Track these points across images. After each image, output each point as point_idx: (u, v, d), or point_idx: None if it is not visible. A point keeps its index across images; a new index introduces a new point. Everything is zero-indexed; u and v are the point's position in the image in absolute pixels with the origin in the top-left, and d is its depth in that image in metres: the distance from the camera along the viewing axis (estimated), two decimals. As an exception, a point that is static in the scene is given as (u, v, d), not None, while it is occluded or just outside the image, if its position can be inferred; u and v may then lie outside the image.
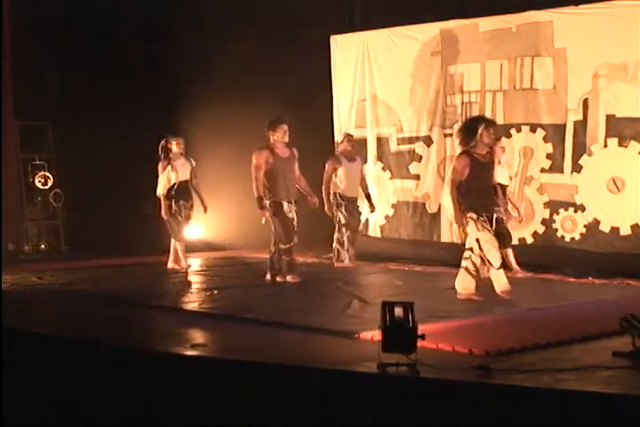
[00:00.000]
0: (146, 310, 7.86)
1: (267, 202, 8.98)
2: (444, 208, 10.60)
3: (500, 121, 9.59)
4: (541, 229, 9.79)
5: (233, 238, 12.54)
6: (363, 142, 11.19)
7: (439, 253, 10.61)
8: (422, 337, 5.17)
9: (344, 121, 11.62)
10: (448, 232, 10.63)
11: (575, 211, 9.54)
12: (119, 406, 5.50)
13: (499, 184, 8.71)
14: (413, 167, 10.98)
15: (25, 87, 12.38)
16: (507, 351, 5.63)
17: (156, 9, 12.60)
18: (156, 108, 12.41)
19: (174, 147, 10.07)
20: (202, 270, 10.31)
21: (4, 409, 5.55)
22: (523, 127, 9.90)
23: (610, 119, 9.22)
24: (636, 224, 9.10)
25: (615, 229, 9.24)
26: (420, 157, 10.91)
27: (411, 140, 11.01)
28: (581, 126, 9.45)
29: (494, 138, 7.98)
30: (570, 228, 9.59)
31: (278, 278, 9.24)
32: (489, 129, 7.71)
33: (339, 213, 10.19)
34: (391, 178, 11.18)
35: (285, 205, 9.02)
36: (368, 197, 10.42)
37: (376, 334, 5.38)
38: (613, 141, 9.23)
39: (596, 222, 9.37)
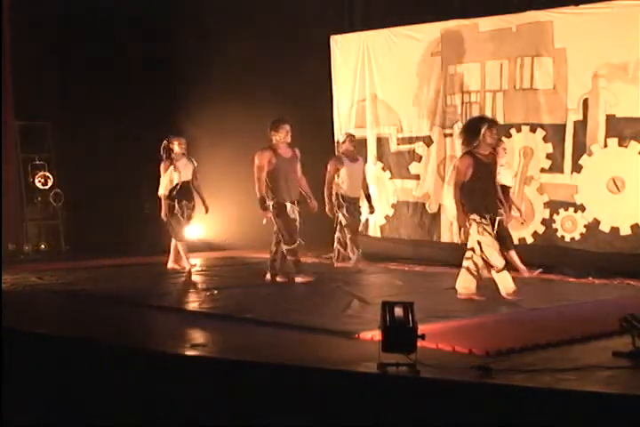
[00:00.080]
0: (146, 310, 7.86)
1: (269, 203, 8.97)
2: (445, 208, 10.65)
3: (500, 121, 9.57)
4: (541, 229, 9.79)
5: (233, 238, 12.54)
6: (363, 142, 11.18)
7: (439, 253, 10.61)
8: (422, 337, 5.17)
9: (344, 121, 11.62)
10: (448, 232, 10.63)
11: (575, 211, 9.54)
12: (119, 406, 5.50)
13: (502, 185, 8.69)
14: (413, 167, 10.98)
15: (25, 87, 12.38)
16: (507, 351, 5.63)
17: (156, 9, 12.60)
18: (155, 108, 12.41)
19: (176, 147, 10.05)
20: (202, 270, 10.30)
21: (4, 409, 5.54)
22: (523, 127, 9.90)
23: (610, 119, 9.22)
24: (636, 224, 9.10)
25: (615, 229, 9.24)
26: (420, 157, 10.91)
27: (411, 140, 11.01)
28: (581, 126, 9.45)
29: (497, 138, 7.97)
30: (570, 228, 9.59)
31: (278, 278, 9.25)
32: (492, 129, 7.70)
33: (340, 214, 10.16)
34: (391, 178, 11.18)
35: (289, 205, 9.00)
36: (368, 197, 10.40)
37: (376, 334, 5.38)
38: (613, 141, 9.23)
39: (596, 222, 9.37)
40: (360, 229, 10.71)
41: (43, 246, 12.87)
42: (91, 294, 8.80)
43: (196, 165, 10.23)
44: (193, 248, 10.71)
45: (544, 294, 8.29)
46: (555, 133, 9.68)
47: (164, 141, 10.07)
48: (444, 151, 10.69)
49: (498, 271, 7.61)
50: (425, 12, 10.56)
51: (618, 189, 9.22)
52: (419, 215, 10.91)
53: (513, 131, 9.96)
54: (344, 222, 10.15)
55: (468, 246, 7.74)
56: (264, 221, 9.07)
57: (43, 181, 12.80)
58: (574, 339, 5.99)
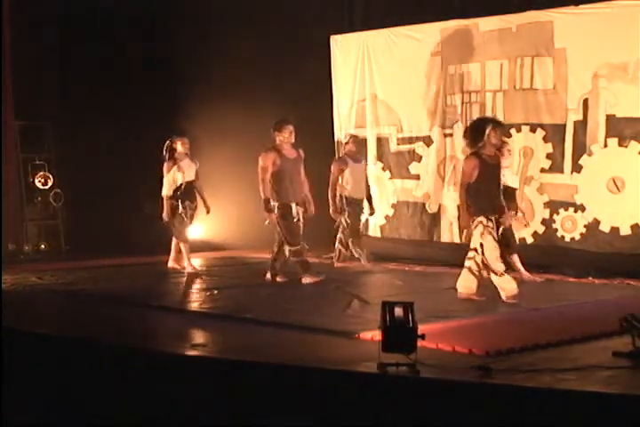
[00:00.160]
0: (146, 310, 7.85)
1: (274, 204, 8.94)
2: (445, 208, 10.66)
3: (500, 121, 9.59)
4: (541, 229, 9.78)
5: (233, 238, 12.53)
6: (363, 142, 11.16)
7: (439, 253, 10.61)
8: (422, 337, 5.17)
9: (344, 121, 11.62)
10: (448, 232, 10.63)
11: (575, 211, 9.54)
12: (119, 406, 5.50)
13: (507, 187, 8.68)
14: (413, 167, 10.98)
15: (25, 87, 12.38)
16: (507, 351, 5.63)
17: (156, 9, 12.61)
18: (156, 108, 12.41)
19: (179, 147, 10.02)
20: (202, 270, 10.30)
21: (4, 409, 5.55)
22: (523, 127, 9.89)
23: (610, 119, 9.22)
24: (636, 224, 9.10)
25: (615, 229, 9.24)
26: (420, 157, 10.91)
27: (411, 140, 11.01)
28: (581, 126, 9.44)
29: (501, 139, 7.95)
30: (570, 228, 9.59)
31: (278, 279, 9.25)
32: (496, 130, 7.69)
33: (342, 216, 10.12)
34: (391, 178, 11.18)
35: (294, 206, 8.98)
36: (369, 199, 10.37)
37: (376, 334, 5.38)
38: (613, 141, 9.23)
39: (596, 222, 9.37)
40: (360, 229, 10.68)
41: (43, 246, 12.87)
42: (91, 294, 8.80)
43: (198, 165, 10.21)
44: (193, 248, 10.68)
45: (544, 294, 8.29)
46: (555, 133, 9.68)
47: (167, 141, 10.04)
48: (444, 151, 10.69)
49: (499, 276, 7.59)
50: (425, 12, 10.56)
51: (618, 189, 9.22)
52: (419, 215, 10.91)
53: (513, 131, 9.95)
54: (346, 224, 10.14)
55: (471, 247, 7.72)
56: (266, 221, 9.05)
57: (43, 181, 12.80)
58: (574, 339, 5.99)
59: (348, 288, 8.60)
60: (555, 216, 9.70)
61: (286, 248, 9.01)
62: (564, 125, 9.57)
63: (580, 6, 9.39)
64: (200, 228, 11.99)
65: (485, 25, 10.19)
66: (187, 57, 12.65)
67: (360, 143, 10.67)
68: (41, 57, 12.51)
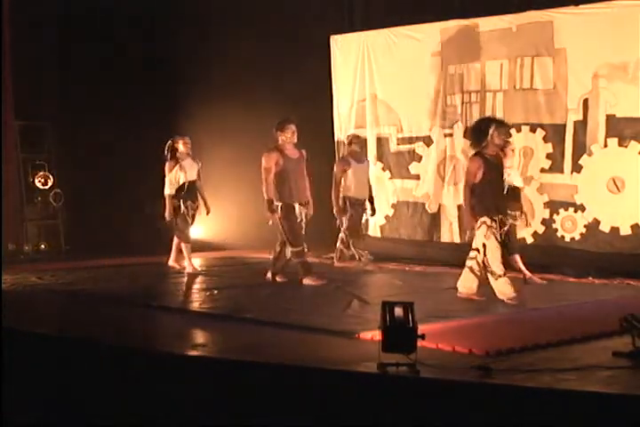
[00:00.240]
0: (146, 310, 7.85)
1: (277, 205, 8.93)
2: (445, 208, 10.66)
3: (500, 121, 9.59)
4: (541, 229, 9.78)
5: (233, 238, 12.54)
6: (363, 142, 11.17)
7: (439, 253, 10.61)
8: (422, 337, 5.17)
9: (344, 121, 11.62)
10: (448, 232, 10.64)
11: (575, 211, 9.54)
12: (119, 406, 5.50)
13: (513, 187, 8.67)
14: (413, 167, 10.98)
15: (25, 87, 12.38)
16: (507, 351, 5.63)
17: (156, 9, 12.61)
18: (156, 108, 12.42)
19: (181, 146, 10.01)
20: (202, 270, 10.30)
21: (4, 409, 5.55)
22: (523, 127, 9.89)
23: (610, 119, 9.22)
24: (636, 224, 9.10)
25: (615, 229, 9.24)
26: (420, 157, 10.91)
27: (411, 140, 11.01)
28: (581, 126, 9.45)
29: (505, 139, 7.94)
30: (570, 228, 9.59)
31: (278, 278, 9.24)
32: (500, 130, 7.68)
33: (344, 217, 10.11)
34: (391, 178, 11.18)
35: (297, 207, 8.97)
36: (371, 199, 10.35)
37: (376, 334, 5.38)
38: (613, 141, 9.23)
39: (596, 222, 9.37)
40: (362, 230, 10.64)
41: (43, 246, 12.87)
42: (91, 294, 8.80)
43: (200, 164, 10.20)
44: (193, 248, 10.68)
45: (544, 294, 8.29)
46: (555, 133, 9.68)
47: (169, 141, 10.04)
48: (443, 151, 10.69)
49: (496, 278, 7.58)
50: (425, 12, 10.56)
51: (618, 189, 9.22)
52: (419, 215, 10.91)
53: (513, 131, 9.91)
54: (347, 225, 10.13)
55: (473, 246, 7.72)
56: (269, 222, 9.02)
57: (43, 181, 12.79)
58: (574, 339, 5.99)
59: (348, 288, 8.60)
60: (555, 216, 9.70)
61: (288, 249, 9.00)
62: (564, 125, 9.57)
63: (580, 6, 9.39)
64: (200, 228, 11.99)
65: (485, 25, 10.19)
66: (187, 57, 12.65)
67: (361, 143, 10.67)
68: (41, 57, 12.51)
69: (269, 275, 9.26)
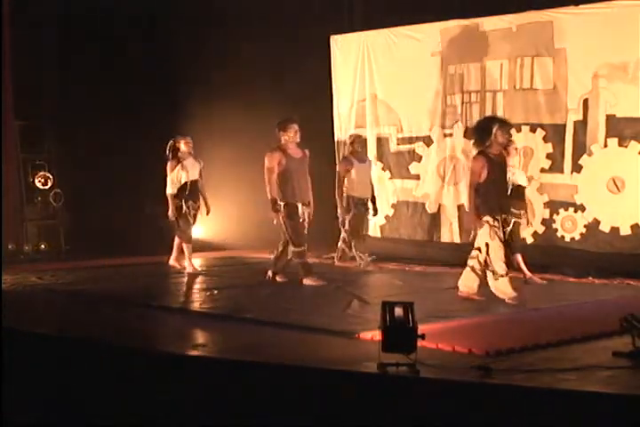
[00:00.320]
0: (146, 310, 7.85)
1: (280, 204, 8.91)
2: (445, 208, 10.66)
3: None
4: (541, 229, 9.78)
5: (233, 238, 12.54)
6: (364, 142, 11.17)
7: (439, 253, 10.62)
8: (422, 337, 5.17)
9: (344, 121, 11.62)
10: (448, 232, 10.64)
11: (575, 211, 9.54)
12: (119, 406, 5.50)
13: (517, 185, 8.66)
14: (413, 167, 10.98)
15: (25, 87, 12.37)
16: (507, 351, 5.64)
17: (156, 9, 12.61)
18: (156, 108, 12.42)
19: (183, 146, 10.00)
20: (202, 270, 10.30)
21: (4, 409, 5.55)
22: (523, 127, 9.89)
23: (610, 119, 9.22)
24: (636, 224, 9.10)
25: (615, 229, 9.24)
26: (420, 157, 10.91)
27: (411, 140, 11.01)
28: (581, 126, 9.45)
29: (508, 138, 7.92)
30: (570, 228, 9.59)
31: (278, 278, 9.23)
32: (503, 128, 7.67)
33: (347, 218, 10.09)
34: (391, 178, 11.18)
35: (300, 207, 8.94)
36: (373, 199, 10.32)
37: (376, 334, 5.38)
38: (613, 141, 9.23)
39: (596, 222, 9.37)
40: (363, 231, 10.60)
41: (43, 246, 12.86)
42: (91, 294, 8.80)
43: (202, 164, 10.18)
44: (193, 248, 10.69)
45: (544, 294, 8.29)
46: (555, 133, 9.68)
47: (171, 141, 10.03)
48: (443, 151, 10.69)
49: (497, 278, 7.57)
50: (425, 12, 10.55)
51: (618, 189, 9.22)
52: (419, 215, 10.91)
53: (513, 131, 9.92)
54: (349, 225, 10.13)
55: (476, 246, 7.70)
56: (274, 221, 8.99)
57: (43, 181, 12.79)
58: (574, 339, 6.00)
59: (348, 288, 8.60)
60: (555, 216, 9.70)
61: (290, 249, 8.99)
62: (564, 125, 9.57)
63: (580, 6, 9.39)
64: (200, 228, 11.99)
65: (485, 25, 10.19)
66: (187, 57, 12.65)
67: (362, 143, 10.66)
68: (41, 57, 12.50)
69: (270, 273, 9.25)
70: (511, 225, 8.00)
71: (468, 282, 7.77)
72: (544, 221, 9.77)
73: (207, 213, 10.26)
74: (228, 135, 11.96)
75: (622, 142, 9.16)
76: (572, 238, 9.57)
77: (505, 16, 10.00)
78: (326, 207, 9.99)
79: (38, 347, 6.52)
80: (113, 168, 12.56)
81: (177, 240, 10.16)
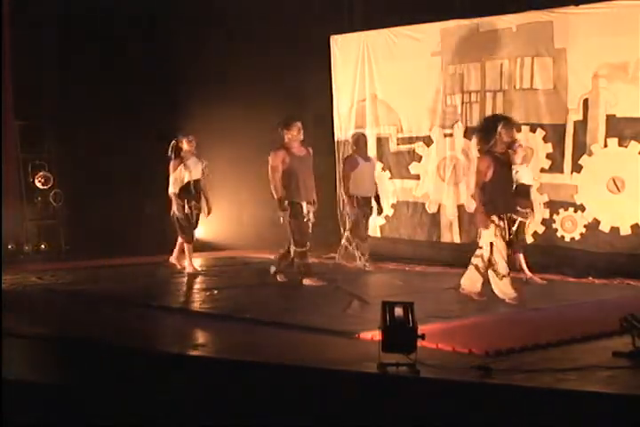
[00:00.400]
0: (146, 310, 7.85)
1: (286, 203, 8.86)
2: (445, 208, 10.66)
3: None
4: (541, 229, 9.78)
5: (233, 238, 12.54)
6: (366, 141, 11.15)
7: (439, 253, 10.62)
8: (422, 337, 5.17)
9: (344, 121, 11.62)
10: (448, 232, 10.64)
11: (575, 211, 9.54)
12: (119, 406, 5.50)
13: (521, 184, 8.66)
14: (413, 167, 10.98)
15: (25, 87, 12.37)
16: (507, 351, 5.64)
17: (156, 9, 12.60)
18: (156, 108, 12.42)
19: (185, 145, 9.98)
20: (202, 270, 10.30)
21: (4, 409, 5.54)
22: (523, 127, 9.87)
23: (610, 119, 9.22)
24: (636, 224, 9.11)
25: (615, 229, 9.24)
26: (420, 157, 10.91)
27: (411, 140, 11.01)
28: (581, 126, 9.45)
29: (513, 136, 7.88)
30: (570, 228, 9.59)
31: (278, 278, 9.21)
32: (507, 127, 7.65)
33: (351, 217, 10.07)
34: (391, 178, 11.18)
35: (304, 205, 8.92)
36: (377, 198, 10.29)
37: (376, 334, 5.38)
38: (613, 141, 9.23)
39: (596, 222, 9.37)
40: (365, 231, 10.56)
41: (43, 246, 12.86)
42: (91, 294, 8.80)
43: (205, 163, 10.15)
44: (193, 248, 10.70)
45: (544, 294, 8.29)
46: (555, 133, 9.69)
47: (173, 141, 10.01)
48: (443, 151, 10.69)
49: (500, 278, 7.56)
50: (425, 12, 10.55)
51: (618, 189, 9.22)
52: (419, 215, 10.92)
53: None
54: (350, 225, 10.12)
55: (480, 244, 7.68)
56: (281, 220, 8.94)
57: (43, 181, 12.79)
58: (574, 339, 6.00)
59: (348, 288, 8.60)
60: (555, 216, 9.71)
61: (292, 248, 8.96)
62: (564, 125, 9.58)
63: (580, 6, 9.40)
64: (200, 228, 11.98)
65: (485, 25, 10.20)
66: (187, 57, 12.65)
67: (366, 142, 10.63)
68: (41, 57, 12.50)
69: (272, 271, 9.21)
70: (516, 224, 7.98)
71: (471, 280, 7.75)
72: (544, 221, 9.77)
73: (208, 214, 10.21)
74: (228, 135, 11.96)
75: (622, 142, 9.16)
76: (572, 238, 9.57)
77: (505, 16, 10.00)
78: (326, 207, 9.99)
79: (38, 347, 6.51)
80: (113, 168, 12.56)
81: (180, 239, 10.15)
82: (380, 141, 11.28)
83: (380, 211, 10.32)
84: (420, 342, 5.17)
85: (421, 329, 5.18)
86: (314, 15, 11.51)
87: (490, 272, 7.59)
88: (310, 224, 8.97)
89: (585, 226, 9.46)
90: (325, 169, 10.36)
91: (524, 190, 8.69)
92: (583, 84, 9.39)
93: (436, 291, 8.36)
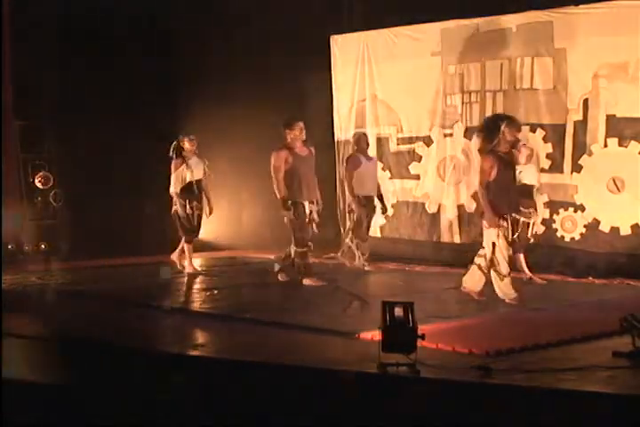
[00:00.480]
0: (146, 310, 7.85)
1: (289, 203, 8.83)
2: (445, 208, 10.66)
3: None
4: (541, 229, 9.77)
5: (233, 238, 12.54)
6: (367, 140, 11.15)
7: (439, 253, 10.62)
8: (422, 337, 5.17)
9: (344, 121, 11.62)
10: (448, 232, 10.64)
11: (575, 211, 9.55)
12: (119, 406, 5.50)
13: (524, 184, 8.65)
14: (413, 167, 10.99)
15: (25, 87, 12.37)
16: (507, 351, 5.64)
17: (156, 9, 12.60)
18: (156, 108, 12.41)
19: (187, 144, 9.98)
20: (202, 270, 10.30)
21: (4, 409, 5.55)
22: (523, 127, 9.83)
23: (610, 119, 9.23)
24: (636, 224, 9.11)
25: (615, 229, 9.25)
26: (420, 157, 10.91)
27: (411, 140, 11.02)
28: (581, 126, 9.45)
29: (516, 135, 7.86)
30: (570, 228, 9.59)
31: (279, 277, 9.20)
32: (511, 126, 7.63)
33: (354, 215, 10.06)
34: (391, 178, 11.18)
35: (307, 205, 8.91)
36: (380, 197, 10.26)
37: (376, 334, 5.38)
38: (613, 141, 9.23)
39: (596, 222, 9.38)
40: (367, 231, 10.54)
41: (43, 246, 12.85)
42: (91, 294, 8.80)
43: (206, 163, 10.14)
44: (193, 248, 10.70)
45: (544, 294, 8.29)
46: (555, 133, 9.69)
47: (174, 142, 9.99)
48: (443, 151, 10.69)
49: (502, 278, 7.55)
50: (425, 12, 10.55)
51: (618, 189, 9.23)
52: (419, 215, 10.92)
53: (513, 131, 9.94)
54: (352, 225, 10.11)
55: (483, 244, 7.66)
56: (285, 220, 8.92)
57: (43, 181, 12.78)
58: (574, 339, 6.00)
59: (348, 288, 8.59)
60: (555, 216, 9.71)
61: (292, 248, 8.96)
62: (564, 125, 9.58)
63: (580, 6, 9.40)
64: (201, 228, 11.98)
65: (485, 25, 10.20)
66: (187, 57, 12.65)
67: (367, 142, 10.63)
68: (41, 57, 12.49)
69: (276, 269, 9.20)
70: (520, 224, 7.96)
71: (472, 279, 7.72)
72: (544, 221, 9.76)
73: (209, 214, 10.19)
74: (228, 135, 11.96)
75: (622, 142, 9.16)
76: (572, 238, 9.57)
77: (505, 16, 10.01)
78: (326, 207, 9.97)
79: (39, 347, 6.51)
80: (113, 168, 12.56)
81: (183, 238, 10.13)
82: (380, 141, 11.28)
83: (384, 210, 10.30)
84: (420, 342, 5.17)
85: (421, 329, 5.18)
86: (314, 15, 11.51)
87: (492, 272, 7.58)
88: (315, 224, 8.94)
89: (585, 226, 9.47)
90: (325, 169, 10.34)
91: (527, 190, 8.69)
92: (583, 84, 9.39)
93: (436, 291, 8.36)
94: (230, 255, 11.94)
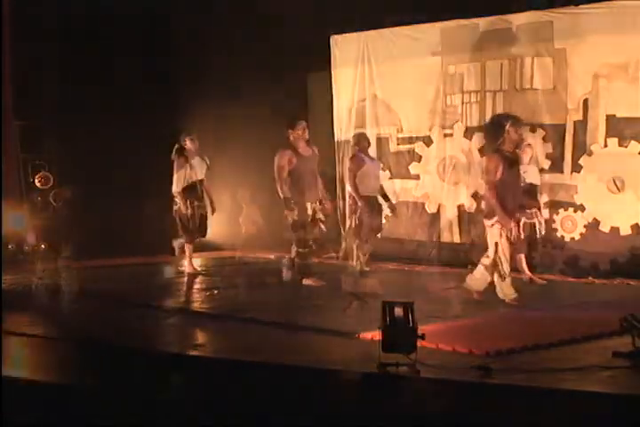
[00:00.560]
0: (146, 310, 7.85)
1: (292, 203, 8.81)
2: (445, 208, 10.66)
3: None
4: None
5: (233, 238, 12.53)
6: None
7: (439, 253, 10.61)
8: (422, 337, 5.17)
9: (344, 121, 11.62)
10: (448, 232, 10.64)
11: (575, 211, 9.55)
12: (119, 406, 5.50)
13: (529, 184, 8.62)
14: (413, 167, 10.99)
15: (25, 87, 12.37)
16: (507, 351, 5.64)
17: (156, 9, 12.60)
18: (156, 108, 12.41)
19: (189, 144, 9.96)
20: (202, 270, 10.30)
21: (4, 409, 5.55)
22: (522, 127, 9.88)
23: (610, 119, 9.23)
24: (636, 224, 9.11)
25: (615, 229, 9.25)
26: (420, 157, 10.92)
27: (411, 140, 11.02)
28: (581, 126, 9.46)
29: (520, 135, 7.83)
30: (570, 228, 9.60)
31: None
32: (516, 125, 7.61)
33: (354, 216, 10.05)
34: (391, 178, 11.18)
35: (309, 206, 8.86)
36: (385, 197, 10.16)
37: (376, 334, 5.38)
38: (613, 141, 9.23)
39: (596, 222, 9.38)
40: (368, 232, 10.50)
41: (43, 246, 12.85)
42: (91, 294, 8.79)
43: (208, 162, 10.12)
44: (193, 248, 10.70)
45: (544, 294, 8.29)
46: (555, 133, 9.70)
47: (177, 145, 9.97)
48: (443, 151, 10.70)
49: (503, 279, 7.54)
50: (425, 11, 10.55)
51: (618, 189, 9.23)
52: (418, 215, 10.92)
53: (513, 131, 9.94)
54: (354, 224, 10.11)
55: (488, 244, 7.64)
56: (289, 220, 8.91)
57: (43, 181, 12.78)
58: (574, 339, 6.00)
59: (348, 288, 8.58)
60: (555, 216, 9.71)
61: (293, 248, 8.95)
62: (564, 125, 9.58)
63: (580, 6, 9.41)
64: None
65: (485, 25, 10.21)
66: (187, 57, 12.65)
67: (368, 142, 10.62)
68: (41, 57, 12.49)
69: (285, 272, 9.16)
70: (522, 224, 7.95)
71: (476, 279, 7.70)
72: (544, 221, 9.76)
73: (212, 213, 10.17)
74: (228, 135, 11.96)
75: (622, 142, 9.17)
76: (572, 238, 9.57)
77: (505, 16, 10.01)
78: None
79: (38, 347, 6.51)
80: (113, 168, 12.56)
81: None
82: (380, 141, 11.28)
83: (393, 208, 10.15)
84: (420, 342, 5.17)
85: (421, 329, 5.18)
86: (314, 15, 11.50)
87: (495, 273, 7.57)
88: (322, 223, 8.90)
89: (585, 226, 9.47)
90: (325, 169, 10.33)
91: (531, 190, 8.68)
92: (583, 84, 9.40)
93: (435, 291, 8.35)
94: (230, 255, 11.93)
